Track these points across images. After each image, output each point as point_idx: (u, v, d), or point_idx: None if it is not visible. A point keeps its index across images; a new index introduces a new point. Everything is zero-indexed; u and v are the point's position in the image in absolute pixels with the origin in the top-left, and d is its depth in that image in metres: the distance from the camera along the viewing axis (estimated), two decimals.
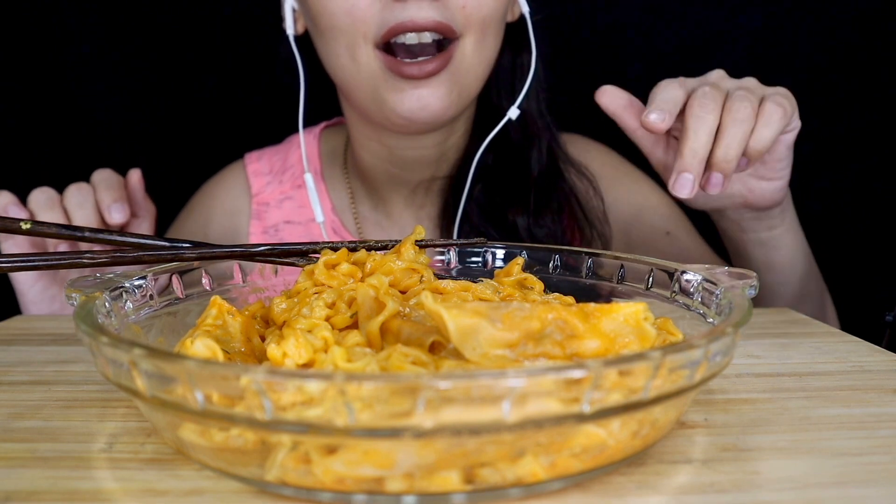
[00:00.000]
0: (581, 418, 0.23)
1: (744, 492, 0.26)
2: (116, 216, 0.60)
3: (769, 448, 0.30)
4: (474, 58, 0.62)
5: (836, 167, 0.91)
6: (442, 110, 0.61)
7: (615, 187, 0.75)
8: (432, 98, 0.60)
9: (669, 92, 0.52)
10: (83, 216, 0.60)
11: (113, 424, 0.32)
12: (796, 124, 0.54)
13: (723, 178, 0.51)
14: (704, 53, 0.90)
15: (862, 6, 0.88)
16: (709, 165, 0.51)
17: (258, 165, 0.78)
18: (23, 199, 0.61)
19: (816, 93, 0.90)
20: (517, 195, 0.70)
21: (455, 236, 0.69)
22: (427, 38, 0.59)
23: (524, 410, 0.22)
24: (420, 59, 0.59)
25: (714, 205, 0.62)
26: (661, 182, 0.71)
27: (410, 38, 0.59)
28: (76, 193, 0.61)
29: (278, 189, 0.76)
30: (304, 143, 0.72)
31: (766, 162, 0.56)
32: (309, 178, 0.69)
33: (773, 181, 0.57)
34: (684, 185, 0.50)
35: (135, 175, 0.66)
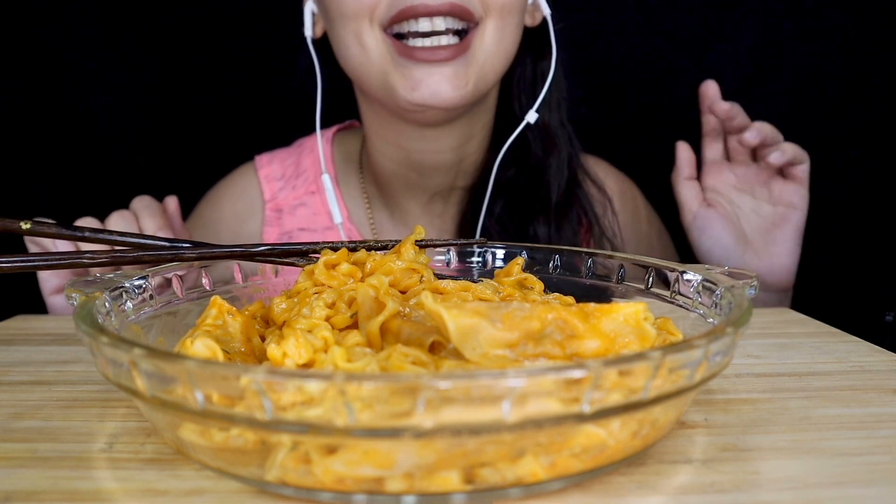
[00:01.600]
0: (581, 418, 0.23)
1: (744, 492, 0.26)
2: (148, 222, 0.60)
3: (769, 448, 0.30)
4: (493, 45, 0.60)
5: (837, 167, 0.91)
6: (454, 99, 0.59)
7: (622, 212, 0.75)
8: (445, 84, 0.58)
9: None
10: None
11: (113, 424, 0.32)
12: (802, 203, 0.64)
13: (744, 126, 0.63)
14: (705, 52, 0.90)
15: (862, 7, 0.88)
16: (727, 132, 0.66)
17: (270, 169, 0.76)
18: (27, 205, 0.61)
19: (817, 93, 0.90)
20: (538, 208, 0.69)
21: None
22: (440, 24, 0.57)
23: (524, 410, 0.22)
24: (435, 44, 0.57)
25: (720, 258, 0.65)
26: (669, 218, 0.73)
27: (423, 26, 0.57)
28: (119, 221, 0.60)
29: (292, 195, 0.74)
30: (321, 145, 0.71)
31: (776, 239, 0.64)
32: (326, 178, 0.69)
33: (781, 254, 0.65)
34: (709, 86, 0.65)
35: (172, 203, 0.65)
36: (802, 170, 0.64)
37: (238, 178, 0.78)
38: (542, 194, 0.69)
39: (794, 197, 0.64)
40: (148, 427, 0.32)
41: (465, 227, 0.70)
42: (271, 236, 0.74)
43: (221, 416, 0.23)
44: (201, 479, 0.27)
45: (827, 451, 0.29)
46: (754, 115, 0.92)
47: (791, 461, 0.28)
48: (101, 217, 0.61)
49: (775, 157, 0.63)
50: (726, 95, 0.89)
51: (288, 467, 0.24)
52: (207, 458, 0.26)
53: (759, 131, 0.63)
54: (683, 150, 0.68)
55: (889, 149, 0.90)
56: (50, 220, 0.43)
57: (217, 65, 0.93)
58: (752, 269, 0.65)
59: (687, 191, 0.67)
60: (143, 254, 0.39)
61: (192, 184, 0.81)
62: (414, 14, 0.56)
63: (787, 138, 0.84)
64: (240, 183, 0.77)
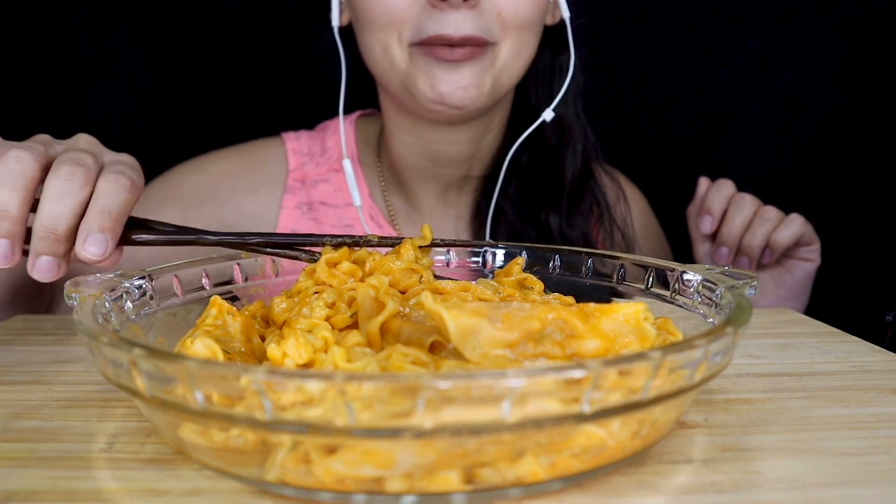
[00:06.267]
0: (581, 418, 0.23)
1: (744, 492, 0.26)
2: (92, 250, 0.38)
3: (769, 448, 0.30)
4: (509, 58, 0.63)
5: (837, 167, 0.91)
6: (473, 98, 0.61)
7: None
8: (464, 82, 0.61)
9: (720, 195, 0.68)
10: (54, 210, 0.38)
11: (113, 424, 0.32)
12: (817, 258, 0.69)
13: (748, 261, 0.68)
14: (710, 52, 0.90)
15: (864, 9, 0.88)
16: (739, 250, 0.67)
17: (297, 144, 0.77)
18: None
19: (817, 93, 0.90)
20: (550, 196, 0.71)
21: (488, 235, 0.70)
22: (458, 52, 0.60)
23: (524, 410, 0.22)
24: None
25: None
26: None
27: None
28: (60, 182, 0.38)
29: (315, 170, 0.75)
30: (343, 129, 0.73)
31: (786, 282, 0.70)
32: (347, 163, 0.70)
33: (788, 301, 0.70)
34: (721, 256, 0.68)
35: None
36: (809, 251, 0.68)
37: (266, 143, 0.78)
38: (555, 183, 0.71)
39: (804, 268, 0.69)
40: (148, 427, 0.32)
41: (479, 215, 0.72)
42: (291, 203, 0.74)
43: (221, 416, 0.23)
44: (201, 479, 0.27)
45: (827, 451, 0.29)
46: (757, 115, 0.92)
47: (791, 461, 0.28)
48: None
49: (767, 258, 0.68)
50: (729, 94, 0.89)
51: (288, 467, 0.24)
52: (207, 458, 0.26)
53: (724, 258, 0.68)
54: (702, 187, 0.71)
55: (890, 149, 0.90)
56: None
57: (244, 53, 0.93)
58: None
59: (698, 233, 0.71)
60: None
61: None
62: (439, 42, 0.59)
63: (789, 138, 0.84)
64: (267, 147, 0.77)
